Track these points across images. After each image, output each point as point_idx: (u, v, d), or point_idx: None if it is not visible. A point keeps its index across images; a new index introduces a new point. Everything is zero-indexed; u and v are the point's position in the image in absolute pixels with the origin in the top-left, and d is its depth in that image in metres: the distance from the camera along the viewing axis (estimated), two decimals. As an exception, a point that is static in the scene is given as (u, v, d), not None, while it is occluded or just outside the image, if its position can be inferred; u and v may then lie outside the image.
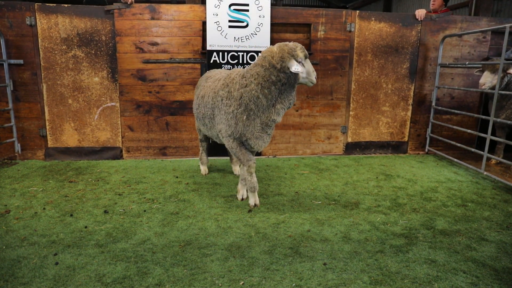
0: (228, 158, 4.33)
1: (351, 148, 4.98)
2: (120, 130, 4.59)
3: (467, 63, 4.44)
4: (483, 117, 4.13)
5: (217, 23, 4.32)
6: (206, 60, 4.41)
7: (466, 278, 2.17)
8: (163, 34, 4.41)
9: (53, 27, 4.24)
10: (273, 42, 4.45)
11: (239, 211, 3.07)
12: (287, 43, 2.81)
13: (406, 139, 5.07)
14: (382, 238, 2.65)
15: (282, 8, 4.55)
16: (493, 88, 4.07)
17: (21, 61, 4.26)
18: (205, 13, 4.34)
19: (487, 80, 4.09)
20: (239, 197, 3.31)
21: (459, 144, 4.53)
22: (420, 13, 4.68)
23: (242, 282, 2.09)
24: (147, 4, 4.32)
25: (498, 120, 3.88)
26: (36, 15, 4.19)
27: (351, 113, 4.88)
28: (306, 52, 2.82)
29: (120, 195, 3.39)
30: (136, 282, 2.09)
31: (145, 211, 3.05)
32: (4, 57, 4.19)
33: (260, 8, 4.34)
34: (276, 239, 2.59)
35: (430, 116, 4.93)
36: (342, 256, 2.39)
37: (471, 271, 2.24)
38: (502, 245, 2.57)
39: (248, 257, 2.35)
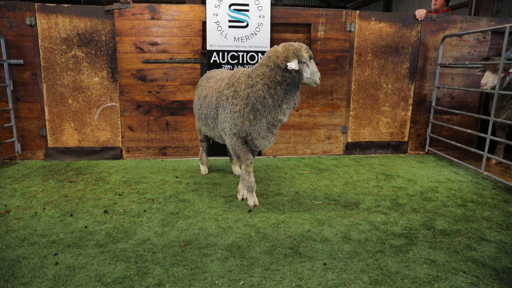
0: (228, 158, 4.33)
1: (351, 148, 4.98)
2: (120, 130, 4.59)
3: (467, 63, 4.44)
4: (483, 117, 4.13)
5: (217, 23, 4.32)
6: (206, 60, 4.41)
7: (466, 278, 2.17)
8: (163, 34, 4.41)
9: (53, 27, 4.24)
10: (273, 42, 4.45)
11: (239, 211, 3.07)
12: (292, 43, 2.82)
13: (406, 139, 5.07)
14: (382, 238, 2.65)
15: (282, 8, 4.55)
16: (494, 88, 4.07)
17: (21, 61, 4.26)
18: (205, 13, 4.34)
19: (489, 80, 4.09)
20: (239, 197, 3.31)
21: (459, 144, 4.53)
22: (420, 13, 4.68)
23: (242, 282, 2.09)
24: (147, 4, 4.32)
25: (499, 120, 3.87)
26: (36, 15, 4.19)
27: (351, 113, 4.88)
28: (311, 53, 2.84)
29: (120, 195, 3.39)
30: (136, 282, 2.09)
31: (145, 211, 3.05)
32: (4, 57, 4.19)
33: (260, 8, 4.34)
34: (276, 239, 2.59)
35: (430, 116, 4.93)
36: (342, 256, 2.39)
37: (471, 271, 2.24)
38: (502, 245, 2.57)
39: (248, 257, 2.35)
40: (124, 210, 3.06)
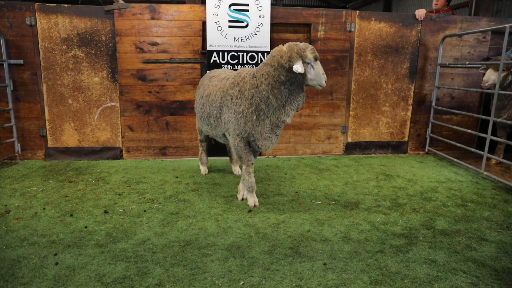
0: (228, 158, 4.33)
1: (351, 148, 4.98)
2: (120, 130, 4.59)
3: (467, 63, 4.44)
4: (483, 117, 4.13)
5: (217, 23, 4.32)
6: (206, 60, 4.41)
7: (466, 278, 2.17)
8: (163, 34, 4.41)
9: (53, 27, 4.24)
10: (273, 42, 4.45)
11: (239, 211, 3.07)
12: (297, 43, 2.79)
13: (406, 139, 5.07)
14: (382, 238, 2.65)
15: (282, 8, 4.55)
16: (495, 86, 4.06)
17: (21, 61, 4.26)
18: (205, 13, 4.34)
19: (490, 78, 4.09)
20: (239, 197, 3.31)
21: (459, 144, 4.53)
22: (420, 13, 4.68)
23: (242, 282, 2.09)
24: (147, 4, 4.32)
25: (499, 120, 3.87)
26: (36, 15, 4.19)
27: (351, 113, 4.88)
28: (317, 54, 2.79)
29: (120, 195, 3.39)
30: (136, 282, 2.09)
31: (145, 211, 3.05)
32: (4, 57, 4.19)
33: (260, 8, 4.34)
34: (276, 239, 2.59)
35: (430, 116, 4.93)
36: (342, 256, 2.39)
37: (471, 271, 2.24)
38: (502, 245, 2.57)
39: (248, 257, 2.35)
40: (124, 210, 3.06)
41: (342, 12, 4.63)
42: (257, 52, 4.43)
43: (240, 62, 4.43)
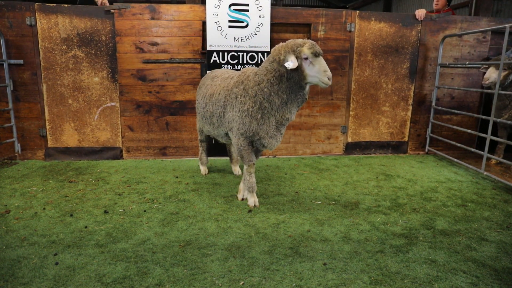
0: (228, 158, 4.33)
1: (351, 148, 4.98)
2: (120, 130, 4.59)
3: (467, 63, 4.44)
4: (483, 117, 4.13)
5: (217, 23, 4.32)
6: (206, 60, 4.41)
7: (466, 278, 2.17)
8: (163, 34, 4.41)
9: (53, 27, 4.24)
10: (273, 42, 4.45)
11: (239, 211, 3.07)
12: (296, 39, 2.73)
13: (406, 139, 5.07)
14: (382, 238, 2.64)
15: (282, 8, 4.55)
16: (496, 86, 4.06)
17: (21, 61, 4.26)
18: (205, 13, 4.34)
19: (492, 76, 4.08)
20: (240, 196, 3.30)
21: (459, 144, 4.53)
22: (420, 13, 4.68)
23: (242, 282, 2.09)
24: (147, 4, 4.32)
25: (499, 120, 3.87)
26: (36, 15, 4.19)
27: (351, 113, 4.88)
28: (318, 49, 2.64)
29: (120, 195, 3.39)
30: (136, 282, 2.09)
31: (145, 211, 3.05)
32: (4, 57, 4.19)
33: (260, 8, 4.34)
34: (276, 239, 2.59)
35: (430, 116, 4.93)
36: (342, 256, 2.39)
37: (471, 271, 2.24)
38: (502, 245, 2.57)
39: (248, 257, 2.35)
40: (124, 210, 3.06)
41: (342, 12, 4.63)
42: (257, 52, 4.43)
43: (240, 62, 4.43)
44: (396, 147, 5.07)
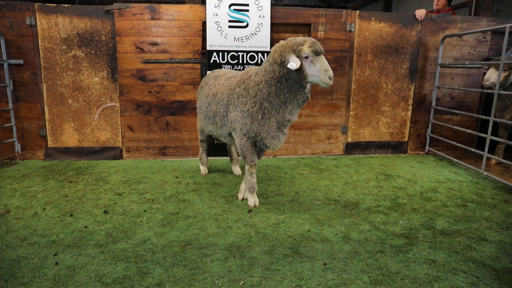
0: (228, 158, 4.33)
1: (351, 148, 4.98)
2: (120, 130, 4.59)
3: (467, 63, 4.44)
4: (483, 117, 4.13)
5: (217, 23, 4.32)
6: (206, 60, 4.41)
7: (466, 278, 2.17)
8: (163, 34, 4.41)
9: (53, 27, 4.24)
10: (273, 42, 4.45)
11: (239, 211, 3.07)
12: (296, 37, 2.66)
13: (406, 139, 5.07)
14: (382, 238, 2.64)
15: (282, 8, 4.55)
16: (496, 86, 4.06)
17: (21, 61, 4.26)
18: (205, 13, 4.34)
19: (492, 76, 4.08)
20: (240, 196, 3.30)
21: (459, 144, 4.53)
22: (420, 13, 4.68)
23: (242, 282, 2.09)
24: (147, 4, 4.32)
25: (499, 120, 3.87)
26: (36, 15, 4.19)
27: (351, 113, 4.88)
28: (319, 47, 2.56)
29: (120, 195, 3.39)
30: (136, 282, 2.09)
31: (145, 211, 3.05)
32: (4, 57, 4.19)
33: (260, 8, 4.34)
34: (276, 239, 2.59)
35: (430, 116, 4.93)
36: (342, 256, 2.39)
37: (471, 271, 2.24)
38: (502, 245, 2.57)
39: (248, 257, 2.35)
40: (124, 210, 3.06)
41: (342, 12, 4.63)
42: (257, 52, 4.43)
43: (240, 62, 4.43)
44: (396, 147, 5.07)
